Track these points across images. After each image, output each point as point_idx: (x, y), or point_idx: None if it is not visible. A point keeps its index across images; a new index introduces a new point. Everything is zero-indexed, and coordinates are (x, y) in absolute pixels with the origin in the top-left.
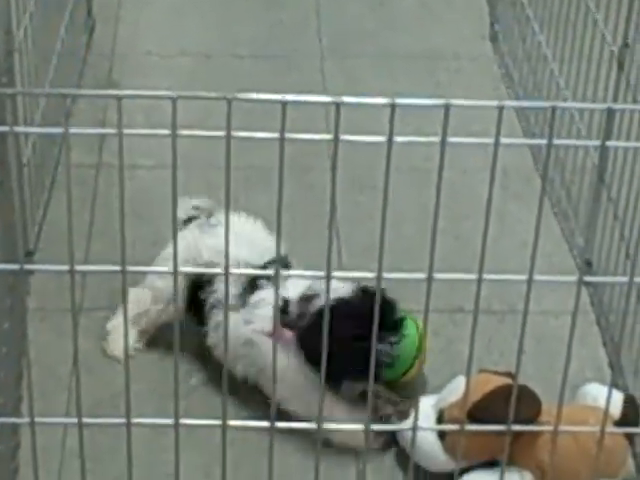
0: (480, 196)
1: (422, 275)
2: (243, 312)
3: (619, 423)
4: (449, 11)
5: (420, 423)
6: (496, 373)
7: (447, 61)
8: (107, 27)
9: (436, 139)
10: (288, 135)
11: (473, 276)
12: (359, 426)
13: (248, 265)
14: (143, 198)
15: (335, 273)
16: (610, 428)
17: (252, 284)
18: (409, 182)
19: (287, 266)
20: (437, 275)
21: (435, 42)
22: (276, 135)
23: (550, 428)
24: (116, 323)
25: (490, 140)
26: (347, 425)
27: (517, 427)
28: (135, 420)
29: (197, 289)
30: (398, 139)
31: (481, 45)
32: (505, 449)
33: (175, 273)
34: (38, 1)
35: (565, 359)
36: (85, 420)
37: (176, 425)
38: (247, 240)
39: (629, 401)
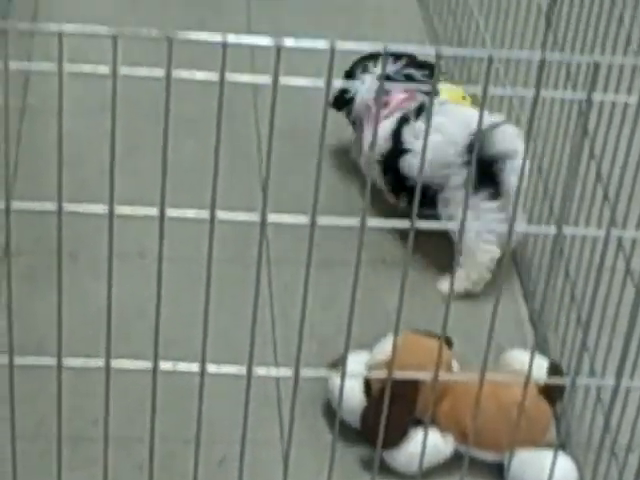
0: None
1: (354, 221)
2: None
3: (544, 391)
4: None
5: (349, 380)
6: (427, 334)
7: (372, 14)
8: None
9: None
10: (229, 76)
11: (406, 224)
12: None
13: None
14: (67, 143)
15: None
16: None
17: None
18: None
19: None
20: (370, 222)
21: None
22: (216, 76)
23: (475, 378)
24: None
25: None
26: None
27: (444, 376)
28: (66, 362)
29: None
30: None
31: None
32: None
33: None
34: None
35: (490, 324)
36: (16, 360)
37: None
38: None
39: (554, 369)
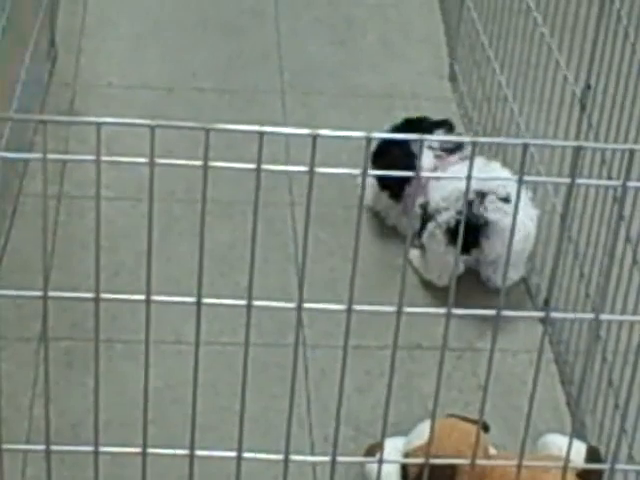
0: None
1: (391, 308)
2: None
3: (582, 476)
4: (409, 50)
5: (385, 465)
6: (464, 419)
7: (406, 100)
8: (69, 57)
9: None
10: (265, 166)
11: (442, 310)
12: None
13: None
14: (104, 229)
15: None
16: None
17: None
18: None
19: None
20: (407, 309)
21: (394, 81)
22: (253, 166)
23: (513, 463)
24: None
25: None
26: None
27: (482, 461)
28: (103, 449)
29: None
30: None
31: (440, 85)
32: None
33: None
34: (3, 30)
35: (528, 409)
36: (53, 447)
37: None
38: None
39: (592, 454)
